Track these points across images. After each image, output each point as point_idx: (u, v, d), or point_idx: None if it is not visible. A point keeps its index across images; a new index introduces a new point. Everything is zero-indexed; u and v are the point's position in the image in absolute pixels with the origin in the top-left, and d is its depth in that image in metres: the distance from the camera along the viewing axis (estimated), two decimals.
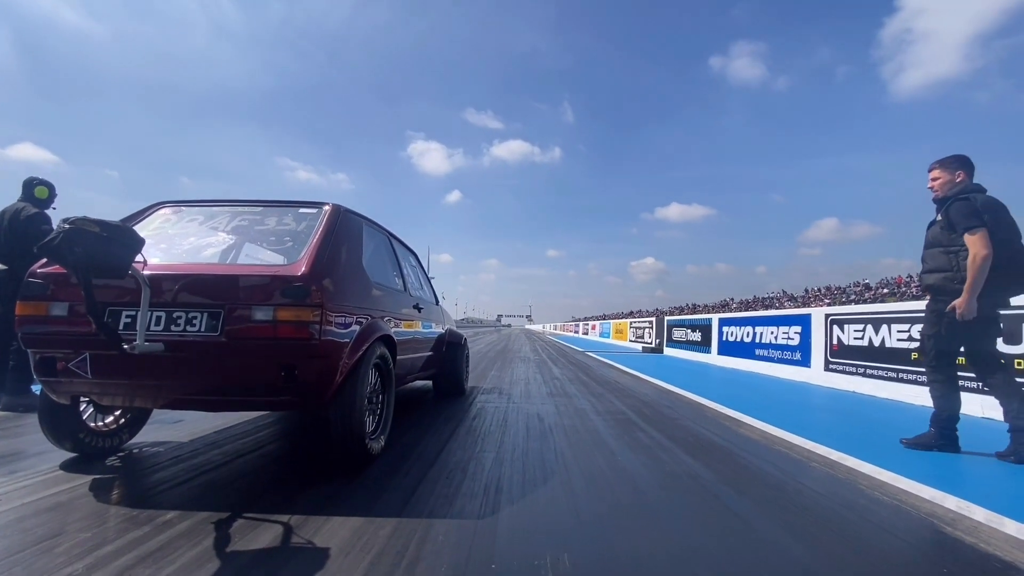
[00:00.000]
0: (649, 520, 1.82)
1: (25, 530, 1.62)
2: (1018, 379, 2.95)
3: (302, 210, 2.62)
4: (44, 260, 2.17)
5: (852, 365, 5.67)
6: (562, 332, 41.43)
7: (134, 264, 1.86)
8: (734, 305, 59.87)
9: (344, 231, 2.57)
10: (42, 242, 1.65)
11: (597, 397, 4.85)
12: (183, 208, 2.67)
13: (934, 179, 2.93)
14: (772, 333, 7.56)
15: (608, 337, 21.43)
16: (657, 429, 3.41)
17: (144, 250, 1.96)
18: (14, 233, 3.74)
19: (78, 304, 2.04)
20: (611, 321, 22.65)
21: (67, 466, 2.32)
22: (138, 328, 1.91)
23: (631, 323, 17.58)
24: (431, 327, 4.09)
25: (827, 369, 6.13)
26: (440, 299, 4.92)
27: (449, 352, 4.66)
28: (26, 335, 2.12)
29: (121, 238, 1.76)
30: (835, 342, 6.03)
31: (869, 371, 5.40)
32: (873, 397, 5.16)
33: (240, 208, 2.66)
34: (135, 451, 2.60)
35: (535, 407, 4.19)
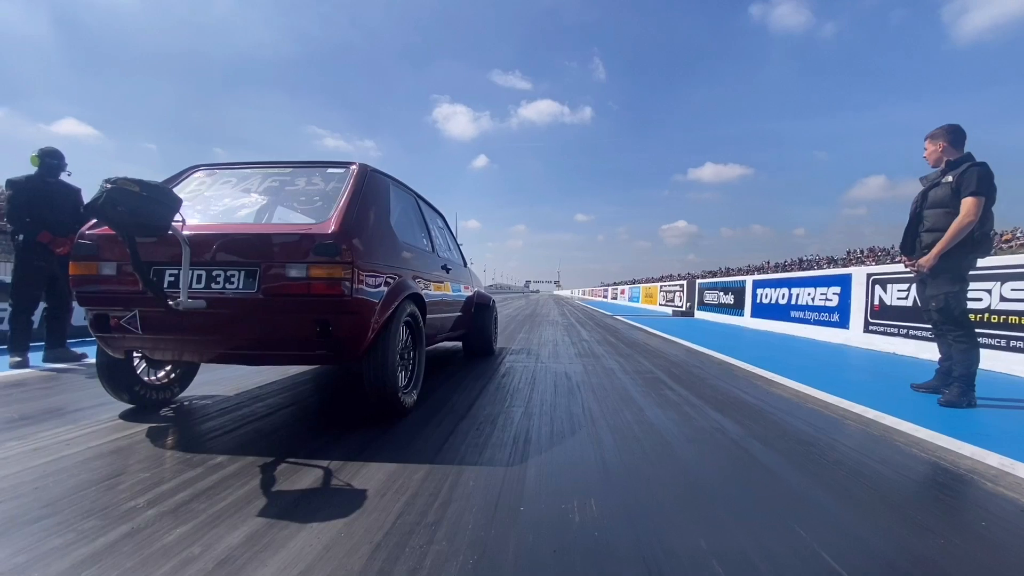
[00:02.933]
0: (675, 470, 1.84)
1: (91, 470, 1.77)
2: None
3: (330, 170, 2.65)
4: (93, 221, 2.28)
5: (894, 326, 5.46)
6: (591, 297, 41.24)
7: (174, 224, 1.94)
8: (770, 269, 58.06)
9: (371, 190, 2.59)
10: (87, 202, 1.73)
11: (625, 357, 4.85)
12: (216, 171, 2.74)
13: (926, 149, 3.16)
14: (809, 295, 7.32)
15: (638, 301, 21.23)
16: (685, 387, 3.40)
17: (182, 210, 2.03)
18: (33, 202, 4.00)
19: (126, 264, 2.14)
20: (640, 285, 22.39)
21: (126, 415, 2.49)
22: (181, 286, 2.01)
23: (661, 287, 17.33)
24: (459, 288, 4.13)
25: (867, 330, 5.93)
26: (469, 262, 4.95)
27: (478, 313, 4.72)
28: (80, 294, 2.25)
29: (160, 197, 1.82)
30: (876, 302, 5.80)
31: (912, 332, 5.19)
32: (915, 358, 4.98)
33: (271, 169, 2.71)
34: (186, 403, 2.77)
35: (563, 367, 4.23)
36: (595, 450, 2.06)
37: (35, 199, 4.01)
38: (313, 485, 1.66)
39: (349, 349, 2.24)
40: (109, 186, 1.71)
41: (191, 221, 2.22)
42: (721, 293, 10.97)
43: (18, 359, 3.87)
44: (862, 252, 47.77)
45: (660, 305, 16.74)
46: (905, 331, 5.29)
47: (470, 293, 4.55)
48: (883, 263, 39.54)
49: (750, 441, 2.21)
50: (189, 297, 2.02)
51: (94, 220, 2.27)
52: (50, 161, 4.15)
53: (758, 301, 9.05)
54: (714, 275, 72.74)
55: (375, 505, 1.51)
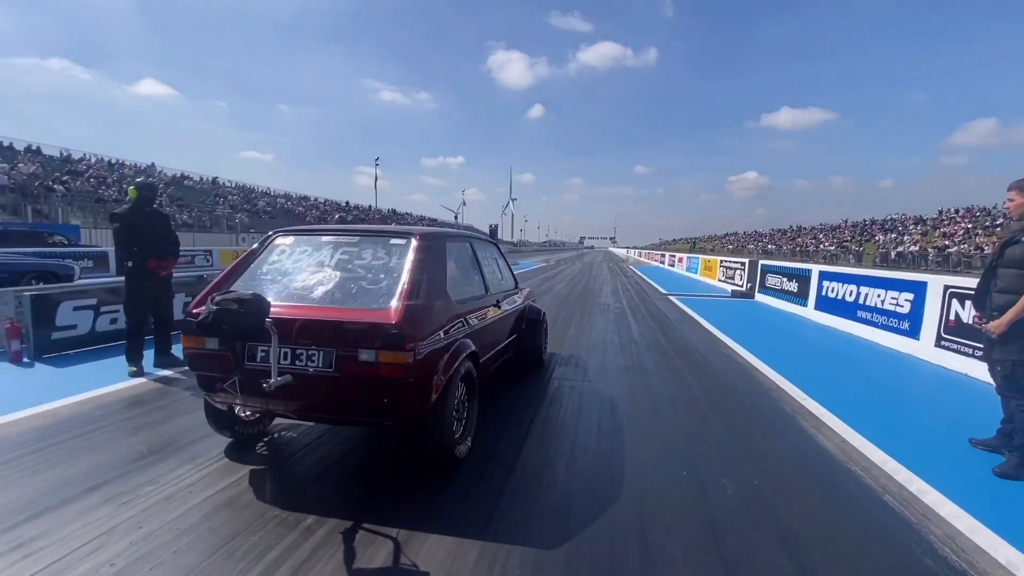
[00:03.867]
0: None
1: (212, 530, 2.19)
2: None
3: (392, 241, 2.91)
4: (197, 301, 2.67)
5: (968, 346, 5.15)
6: (646, 261, 40.24)
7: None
8: (846, 228, 53.84)
9: (429, 260, 2.83)
10: (198, 320, 2.07)
11: (673, 373, 4.94)
12: (292, 236, 3.07)
13: (1010, 200, 2.91)
14: (879, 296, 6.95)
15: (696, 272, 20.63)
16: (725, 422, 3.49)
17: (268, 286, 2.40)
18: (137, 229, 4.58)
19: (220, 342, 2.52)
20: (700, 256, 21.65)
21: (230, 453, 2.97)
22: (271, 366, 2.36)
23: (722, 261, 16.74)
24: (510, 313, 4.35)
25: (938, 345, 5.63)
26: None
27: (529, 329, 4.92)
28: (190, 360, 2.68)
29: (254, 310, 2.14)
30: (952, 317, 5.46)
31: None
32: (987, 384, 4.72)
33: (340, 238, 3.00)
34: (276, 436, 3.22)
35: (609, 390, 4.38)
36: (636, 528, 2.27)
37: (137, 229, 4.56)
38: (386, 563, 2.00)
39: (412, 416, 2.55)
40: (215, 307, 2.04)
41: (277, 302, 2.53)
42: (784, 279, 10.53)
43: (134, 369, 4.56)
44: (956, 212, 43.03)
45: (719, 280, 16.24)
46: (980, 353, 4.99)
47: (520, 310, 4.76)
48: (982, 226, 35.39)
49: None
50: (278, 374, 2.37)
51: (198, 300, 2.66)
52: (146, 193, 4.68)
53: (823, 294, 8.66)
54: (783, 234, 68.46)
55: None
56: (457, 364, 2.77)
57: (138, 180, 4.74)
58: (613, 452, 3.09)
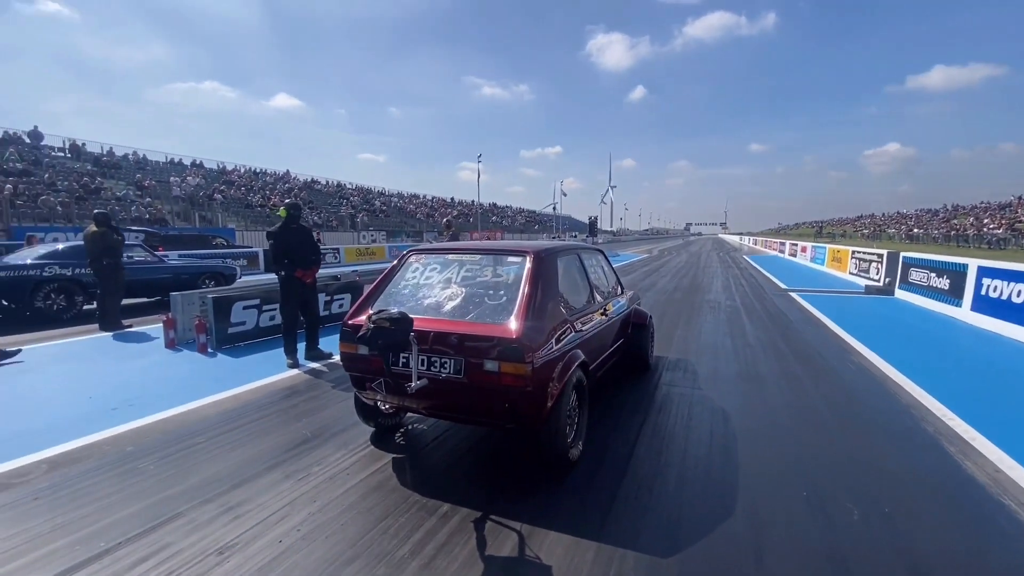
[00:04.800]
0: None
1: (367, 509, 2.62)
2: None
3: (510, 259, 3.22)
4: (353, 312, 3.17)
5: None
6: (762, 250, 37.07)
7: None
8: (1020, 206, 44.93)
9: (544, 275, 3.09)
10: (358, 335, 2.50)
11: (794, 382, 4.68)
12: (424, 256, 3.49)
13: None
14: None
15: (822, 264, 18.70)
16: (862, 452, 3.29)
17: (407, 301, 2.85)
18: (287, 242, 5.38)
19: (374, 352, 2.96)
20: (827, 245, 19.58)
21: (373, 440, 3.46)
22: (412, 371, 2.75)
23: (853, 252, 15.02)
24: (617, 319, 4.44)
25: None
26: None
27: (635, 333, 4.96)
28: (345, 362, 3.18)
29: (401, 327, 2.56)
30: None
31: None
32: None
33: (464, 256, 3.36)
34: (410, 428, 3.68)
35: (721, 398, 4.30)
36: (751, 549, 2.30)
37: (287, 244, 5.35)
38: (512, 553, 2.26)
39: (531, 421, 2.82)
40: (372, 325, 2.48)
41: (417, 317, 2.91)
42: (933, 274, 9.23)
43: (291, 361, 5.39)
44: None
45: (851, 274, 14.61)
46: None
47: (626, 314, 4.81)
48: None
49: None
50: (418, 378, 2.76)
51: (352, 312, 3.16)
52: (294, 212, 5.48)
53: (983, 292, 7.48)
54: (935, 214, 59.07)
55: None
56: (569, 374, 2.98)
57: (286, 202, 5.57)
58: (726, 465, 3.08)
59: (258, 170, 40.20)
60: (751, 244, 48.99)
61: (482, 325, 2.85)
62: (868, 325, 7.57)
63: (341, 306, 7.90)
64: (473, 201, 60.44)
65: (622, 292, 4.93)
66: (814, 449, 3.30)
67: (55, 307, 7.97)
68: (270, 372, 5.10)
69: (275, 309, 6.67)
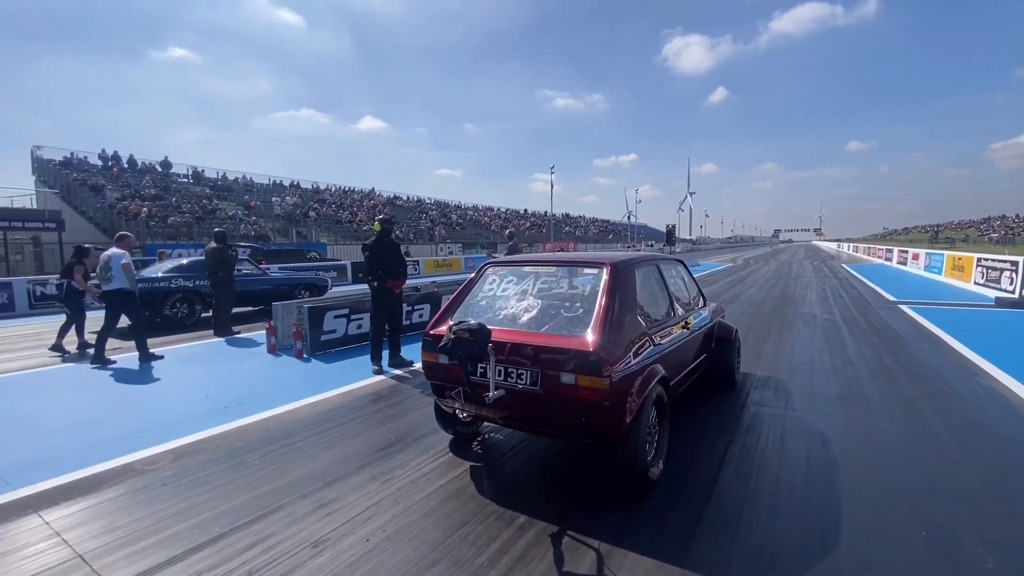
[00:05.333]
0: None
1: (447, 514, 2.69)
2: None
3: (586, 270, 3.18)
4: (434, 322, 3.30)
5: None
6: (865, 258, 33.58)
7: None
8: None
9: (621, 287, 3.02)
10: (440, 345, 2.60)
11: (906, 406, 4.19)
12: (501, 267, 3.56)
13: None
14: None
15: (938, 273, 16.61)
16: (994, 488, 2.87)
17: (484, 312, 2.93)
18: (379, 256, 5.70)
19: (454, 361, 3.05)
20: (944, 252, 17.38)
21: (452, 446, 3.56)
22: (490, 381, 2.80)
23: (979, 259, 13.21)
24: (699, 332, 4.23)
25: None
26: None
27: (719, 348, 4.70)
28: (427, 370, 3.31)
29: (480, 338, 2.63)
30: None
31: None
32: None
33: (540, 268, 3.38)
34: (487, 437, 3.74)
35: (819, 420, 3.94)
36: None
37: (379, 257, 5.68)
38: (591, 571, 2.21)
39: (608, 437, 2.75)
40: (453, 336, 2.57)
41: (492, 325, 2.96)
42: None
43: (376, 368, 5.69)
44: None
45: (976, 284, 12.87)
46: None
47: (709, 328, 4.58)
48: None
49: None
50: (494, 389, 2.81)
51: (433, 322, 3.29)
52: (387, 227, 5.81)
53: None
54: None
55: None
56: (649, 389, 2.88)
57: (380, 217, 5.94)
58: (826, 495, 2.81)
59: (347, 188, 43.25)
60: (850, 251, 44.74)
61: (559, 337, 2.84)
62: (1000, 343, 6.61)
63: (421, 316, 8.24)
64: (546, 212, 60.69)
65: (704, 304, 4.70)
66: (934, 483, 2.92)
67: (179, 315, 9.05)
68: (358, 377, 5.43)
69: (362, 318, 7.11)
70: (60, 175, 25.81)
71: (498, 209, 58.26)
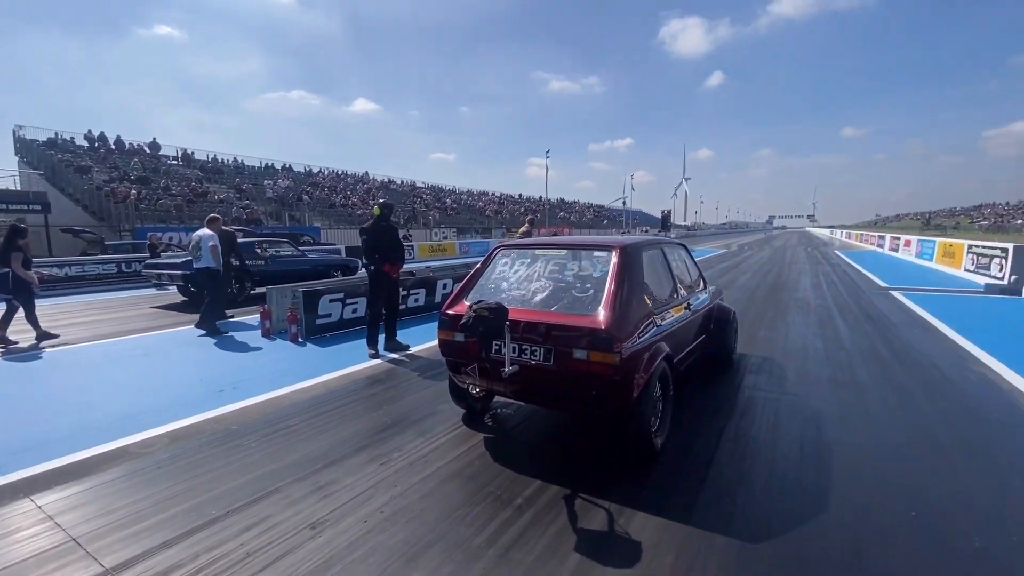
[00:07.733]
0: None
1: (447, 495, 2.70)
2: None
3: (596, 253, 3.34)
4: (449, 302, 3.35)
5: None
6: (858, 244, 33.79)
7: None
8: None
9: (629, 269, 3.10)
10: (461, 323, 2.79)
11: (899, 392, 4.23)
12: (512, 251, 3.67)
13: None
14: None
15: (930, 259, 16.76)
16: (986, 475, 2.91)
17: (498, 293, 3.13)
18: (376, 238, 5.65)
19: (471, 337, 3.05)
20: (936, 239, 17.52)
21: (465, 419, 3.70)
22: (505, 357, 2.89)
23: (970, 246, 13.32)
24: (700, 313, 4.26)
25: None
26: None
27: (718, 329, 4.73)
28: (443, 348, 3.35)
29: (498, 316, 2.73)
30: None
31: None
32: None
33: (550, 251, 3.47)
34: (497, 411, 3.85)
35: (813, 404, 3.98)
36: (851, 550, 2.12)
37: (377, 240, 5.62)
38: (602, 527, 2.33)
39: (617, 409, 2.87)
40: (473, 313, 2.70)
41: (507, 305, 2.96)
42: None
43: (372, 352, 5.67)
44: None
45: (966, 271, 12.99)
46: None
47: (709, 309, 4.60)
48: None
49: None
50: (510, 364, 2.90)
51: (449, 302, 3.37)
52: (386, 212, 5.74)
53: None
54: None
55: (650, 557, 2.12)
56: (655, 366, 2.98)
57: (380, 201, 5.88)
58: (819, 478, 2.84)
59: (340, 172, 42.73)
60: (843, 238, 45.04)
61: (572, 316, 2.93)
62: (991, 329, 6.69)
63: (416, 300, 8.21)
64: (541, 197, 60.47)
65: (705, 287, 4.74)
66: (926, 469, 2.96)
67: (232, 291, 9.21)
68: (354, 361, 5.41)
69: (357, 302, 7.07)
70: (45, 156, 25.22)
71: (492, 194, 57.91)
